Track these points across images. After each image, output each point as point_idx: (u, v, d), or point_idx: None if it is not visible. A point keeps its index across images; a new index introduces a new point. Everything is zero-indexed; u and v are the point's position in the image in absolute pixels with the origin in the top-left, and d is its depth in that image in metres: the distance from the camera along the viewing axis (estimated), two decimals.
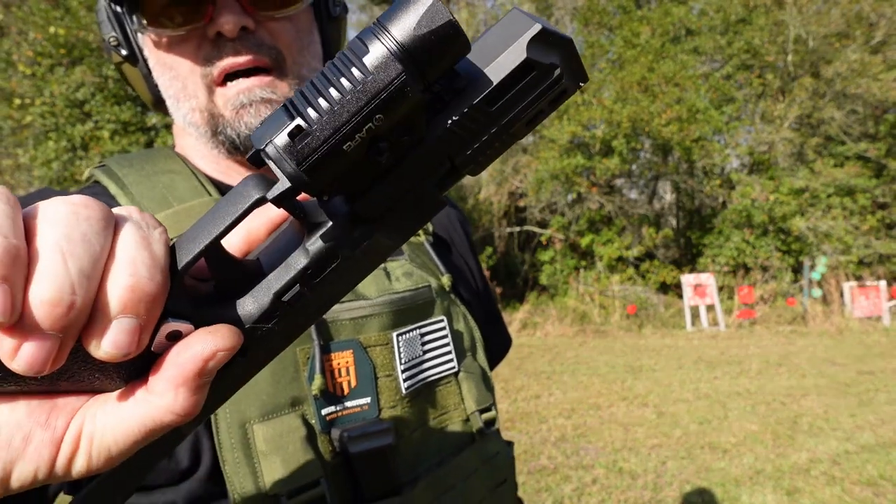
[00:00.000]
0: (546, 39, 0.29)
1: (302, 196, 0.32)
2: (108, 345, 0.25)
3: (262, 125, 0.27)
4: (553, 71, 0.30)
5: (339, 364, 0.61)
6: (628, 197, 12.78)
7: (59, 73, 8.31)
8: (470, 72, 0.29)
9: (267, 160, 0.27)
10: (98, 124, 8.38)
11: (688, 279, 9.90)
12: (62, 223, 0.25)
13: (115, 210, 0.29)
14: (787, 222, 10.69)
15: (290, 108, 0.27)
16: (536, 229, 12.14)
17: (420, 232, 0.78)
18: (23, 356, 0.23)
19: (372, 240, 0.31)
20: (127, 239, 0.26)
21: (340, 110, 0.26)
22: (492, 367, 0.88)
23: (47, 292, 0.23)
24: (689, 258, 12.19)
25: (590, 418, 4.93)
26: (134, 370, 0.29)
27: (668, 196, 13.44)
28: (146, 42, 0.69)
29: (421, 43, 0.26)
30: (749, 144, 11.85)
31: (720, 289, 10.47)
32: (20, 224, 0.24)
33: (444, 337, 0.72)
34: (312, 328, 0.59)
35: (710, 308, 9.81)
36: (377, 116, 0.26)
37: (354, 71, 0.26)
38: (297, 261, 0.30)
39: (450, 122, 0.29)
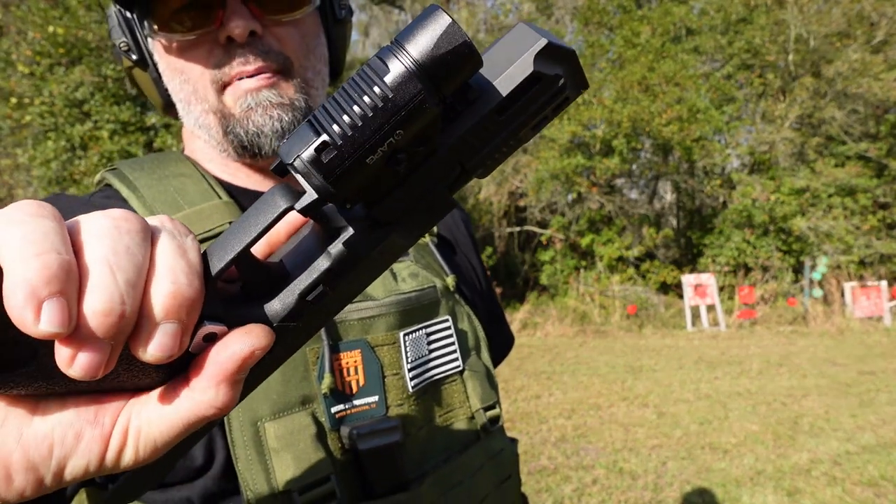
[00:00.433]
0: (552, 53, 0.31)
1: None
2: (154, 348, 0.27)
3: (289, 140, 0.29)
4: (558, 81, 0.32)
5: (347, 363, 0.63)
6: (628, 197, 12.78)
7: (59, 72, 8.31)
8: (481, 84, 0.32)
9: (295, 173, 0.29)
10: (97, 124, 8.37)
11: (688, 279, 9.89)
12: (107, 237, 0.27)
13: (149, 220, 0.31)
14: (788, 222, 10.67)
15: (314, 124, 0.29)
16: (536, 229, 12.14)
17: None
18: (79, 363, 0.25)
19: (388, 240, 0.34)
20: (165, 248, 0.28)
21: (364, 127, 0.28)
22: (495, 364, 0.89)
23: (100, 304, 0.25)
24: (689, 258, 12.18)
25: (590, 418, 4.91)
26: (171, 369, 0.31)
27: (669, 196, 13.44)
28: (156, 47, 0.70)
29: (439, 62, 0.28)
30: (750, 144, 11.84)
31: (721, 289, 10.46)
32: (69, 239, 0.26)
33: (450, 336, 0.73)
34: (322, 328, 0.60)
35: (711, 308, 9.80)
36: (398, 132, 0.28)
37: (376, 89, 0.28)
38: (321, 263, 0.32)
39: (463, 131, 0.32)
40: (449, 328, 0.73)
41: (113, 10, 0.72)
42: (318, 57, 0.73)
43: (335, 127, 0.28)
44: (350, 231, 0.32)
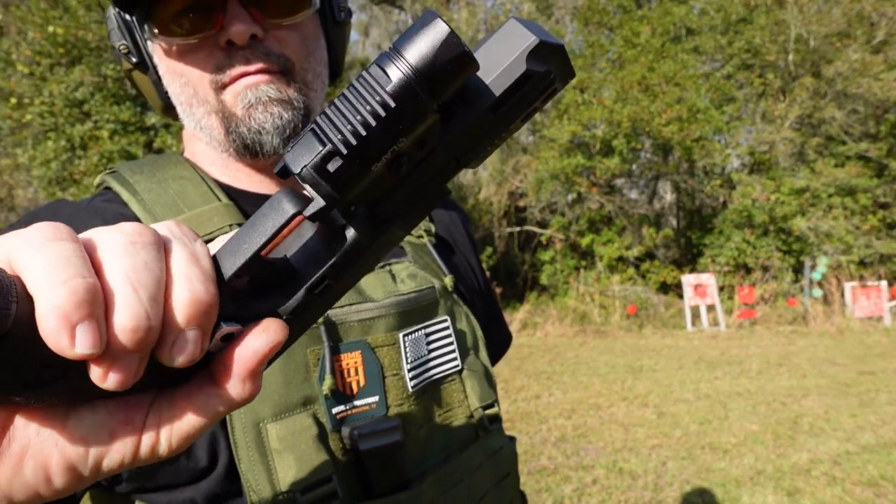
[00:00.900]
0: (543, 50, 0.33)
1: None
2: (179, 355, 0.29)
3: (295, 148, 0.30)
4: (549, 76, 0.33)
5: (348, 364, 0.64)
6: (628, 197, 12.77)
7: (59, 72, 8.31)
8: (475, 83, 0.33)
9: (303, 183, 0.30)
10: (97, 124, 8.37)
11: (688, 279, 9.89)
12: (125, 254, 0.28)
13: (157, 227, 0.32)
14: (788, 222, 10.67)
15: (319, 133, 0.30)
16: (536, 229, 12.13)
17: (423, 234, 0.82)
18: (112, 378, 0.27)
19: (388, 233, 0.36)
20: (178, 257, 0.30)
21: (368, 137, 0.29)
22: (493, 363, 0.89)
23: (128, 321, 0.26)
24: (689, 258, 12.18)
25: (590, 418, 4.91)
26: (191, 368, 0.32)
27: (669, 196, 13.43)
28: (156, 50, 0.70)
29: (438, 71, 0.29)
30: (750, 144, 11.84)
31: (721, 289, 10.46)
32: (89, 261, 0.27)
33: (448, 336, 0.74)
34: (322, 331, 0.62)
35: (711, 308, 9.80)
36: (400, 140, 0.30)
37: (379, 100, 0.28)
38: (326, 258, 0.34)
39: (459, 130, 0.33)
40: (447, 328, 0.74)
41: (112, 12, 0.72)
42: (318, 59, 0.73)
43: (340, 136, 0.29)
44: (352, 229, 0.34)
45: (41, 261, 0.25)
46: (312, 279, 0.34)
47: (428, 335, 0.72)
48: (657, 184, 13.23)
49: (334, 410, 0.62)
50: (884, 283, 9.55)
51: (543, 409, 5.15)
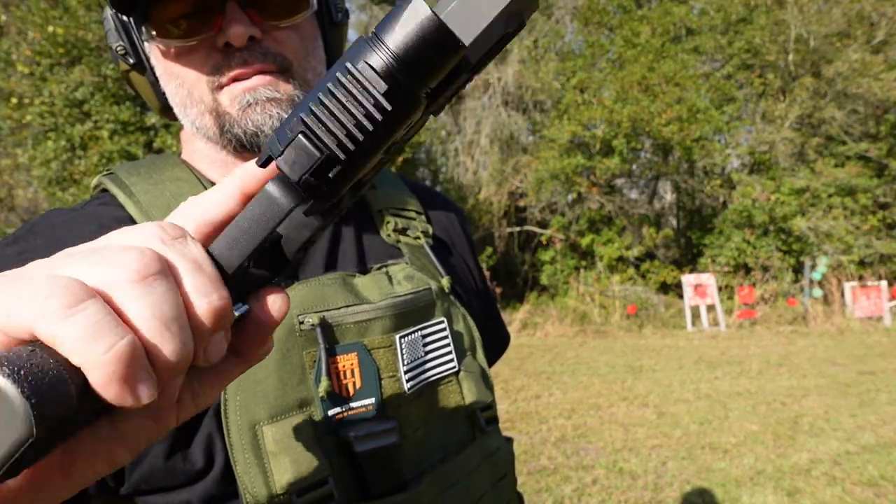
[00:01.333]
0: (514, 5, 0.31)
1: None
2: (210, 356, 0.31)
3: (289, 152, 0.30)
4: (520, 29, 0.33)
5: (344, 366, 0.64)
6: (628, 197, 12.77)
7: (59, 72, 8.31)
8: None
9: (302, 189, 0.31)
10: (97, 124, 8.37)
11: (688, 279, 9.89)
12: (142, 295, 0.28)
13: (147, 231, 0.31)
14: (788, 222, 10.67)
15: (313, 138, 0.29)
16: (536, 229, 12.13)
17: (420, 235, 0.81)
18: (164, 398, 0.30)
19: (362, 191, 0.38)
20: (184, 271, 0.30)
21: (366, 141, 0.29)
22: (491, 364, 0.89)
23: (172, 357, 0.28)
24: (689, 258, 12.18)
25: (590, 418, 4.91)
26: None
27: (669, 196, 13.43)
28: (153, 51, 0.70)
29: (427, 62, 0.29)
30: (750, 144, 11.84)
31: (721, 289, 10.45)
32: (115, 314, 0.27)
33: (445, 338, 0.74)
34: (318, 332, 0.62)
35: (711, 308, 9.80)
36: (396, 133, 0.30)
37: (373, 102, 0.28)
38: (304, 234, 0.34)
39: (443, 98, 0.33)
40: (444, 330, 0.74)
41: (109, 13, 0.71)
42: (317, 59, 0.73)
43: (337, 142, 0.29)
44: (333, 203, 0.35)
45: (73, 333, 0.25)
46: (296, 248, 0.35)
47: (424, 337, 0.71)
48: (657, 184, 13.23)
49: (330, 412, 0.62)
50: (884, 283, 9.55)
51: (543, 409, 5.15)
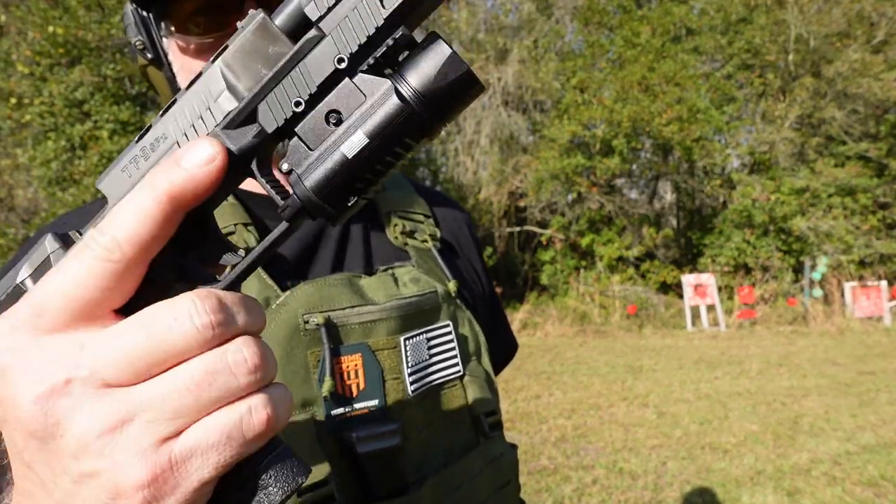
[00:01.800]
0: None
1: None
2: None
3: (311, 183, 0.32)
4: None
5: (348, 367, 0.63)
6: (628, 197, 12.77)
7: (58, 72, 8.31)
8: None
9: (307, 211, 0.33)
10: (97, 124, 8.37)
11: (688, 279, 9.89)
12: (164, 381, 0.29)
13: (90, 247, 0.30)
14: (788, 222, 10.67)
15: (351, 182, 0.32)
16: (536, 229, 12.13)
17: (428, 238, 0.81)
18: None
19: None
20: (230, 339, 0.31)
21: (383, 172, 0.32)
22: (498, 370, 0.89)
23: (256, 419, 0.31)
24: (689, 258, 12.17)
25: (590, 418, 4.91)
26: None
27: (669, 196, 13.43)
28: (171, 47, 0.71)
29: (450, 105, 0.32)
30: (750, 144, 11.84)
31: (720, 289, 10.45)
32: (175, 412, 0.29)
33: (450, 341, 0.73)
34: (323, 332, 0.62)
35: (711, 308, 9.79)
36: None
37: (400, 146, 0.31)
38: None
39: None
40: (450, 333, 0.73)
41: (129, 8, 0.72)
42: None
43: (361, 186, 0.32)
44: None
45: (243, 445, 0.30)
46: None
47: (430, 339, 0.71)
48: (657, 184, 13.23)
49: (333, 412, 0.62)
50: (884, 283, 9.55)
51: (543, 409, 5.15)
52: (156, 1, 0.67)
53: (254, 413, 0.30)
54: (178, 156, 0.30)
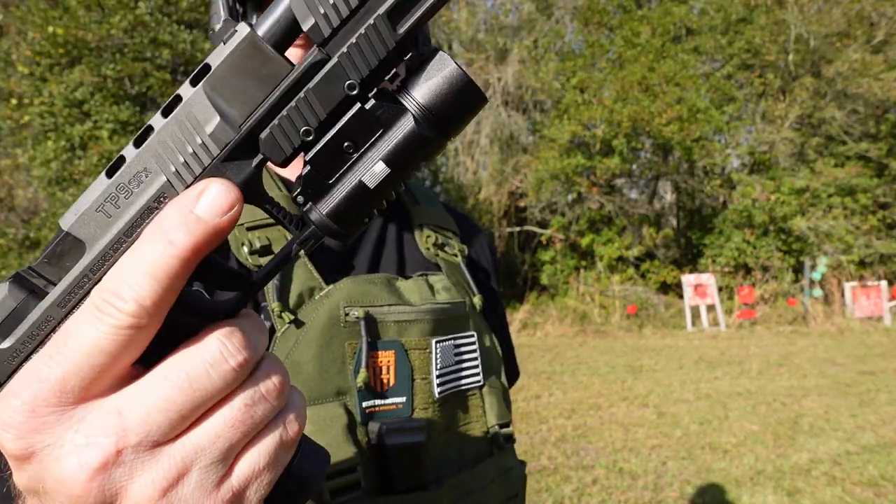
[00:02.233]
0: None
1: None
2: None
3: (325, 200, 0.31)
4: None
5: (381, 362, 0.66)
6: (628, 197, 12.77)
7: (58, 72, 8.31)
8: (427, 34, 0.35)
9: (315, 228, 0.32)
10: (97, 124, 8.37)
11: (688, 279, 9.89)
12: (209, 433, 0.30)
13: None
14: (788, 222, 10.67)
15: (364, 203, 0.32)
16: (536, 229, 12.13)
17: (458, 253, 0.84)
18: None
19: None
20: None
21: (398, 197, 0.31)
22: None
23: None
24: (689, 258, 12.18)
25: (590, 418, 4.91)
26: None
27: (669, 196, 13.43)
28: None
29: (456, 119, 0.32)
30: (750, 144, 11.84)
31: (720, 289, 10.45)
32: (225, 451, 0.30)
33: (474, 351, 0.76)
34: (362, 325, 0.64)
35: (711, 308, 9.79)
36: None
37: (415, 163, 0.31)
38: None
39: None
40: (474, 343, 0.76)
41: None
42: None
43: (380, 207, 0.32)
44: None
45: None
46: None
47: (457, 346, 0.73)
48: (657, 184, 13.23)
49: (364, 404, 0.64)
50: (884, 283, 9.55)
51: (543, 409, 5.15)
52: None
53: (289, 427, 0.32)
54: (190, 202, 0.28)
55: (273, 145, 0.30)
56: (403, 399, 0.66)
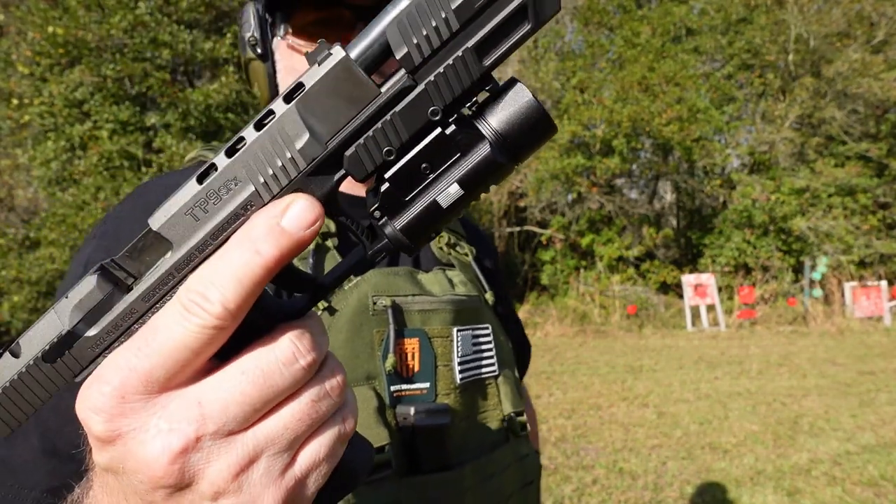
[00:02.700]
0: None
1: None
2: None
3: (399, 219, 0.33)
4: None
5: (407, 349, 0.70)
6: (628, 197, 12.77)
7: (58, 72, 8.31)
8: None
9: (387, 241, 0.34)
10: (97, 124, 8.37)
11: (688, 279, 9.89)
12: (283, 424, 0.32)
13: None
14: (788, 222, 10.67)
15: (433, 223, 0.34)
16: (536, 229, 12.13)
17: (468, 252, 0.89)
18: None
19: None
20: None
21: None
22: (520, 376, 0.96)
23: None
24: (689, 258, 12.18)
25: (590, 418, 4.91)
26: None
27: (669, 196, 13.43)
28: (281, 47, 0.79)
29: (527, 146, 0.33)
30: (750, 144, 11.84)
31: (720, 289, 10.45)
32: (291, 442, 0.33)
33: (490, 342, 0.80)
34: (390, 314, 0.68)
35: (711, 308, 9.80)
36: None
37: (484, 186, 0.33)
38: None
39: None
40: (489, 334, 0.80)
41: (251, 8, 0.81)
42: None
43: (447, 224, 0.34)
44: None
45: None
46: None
47: (475, 336, 0.77)
48: (657, 184, 13.24)
49: (392, 388, 0.67)
50: (884, 283, 9.55)
51: (543, 409, 5.15)
52: (281, 6, 0.76)
53: (346, 422, 0.35)
54: (277, 215, 0.30)
55: (357, 162, 0.32)
56: (427, 384, 0.70)
